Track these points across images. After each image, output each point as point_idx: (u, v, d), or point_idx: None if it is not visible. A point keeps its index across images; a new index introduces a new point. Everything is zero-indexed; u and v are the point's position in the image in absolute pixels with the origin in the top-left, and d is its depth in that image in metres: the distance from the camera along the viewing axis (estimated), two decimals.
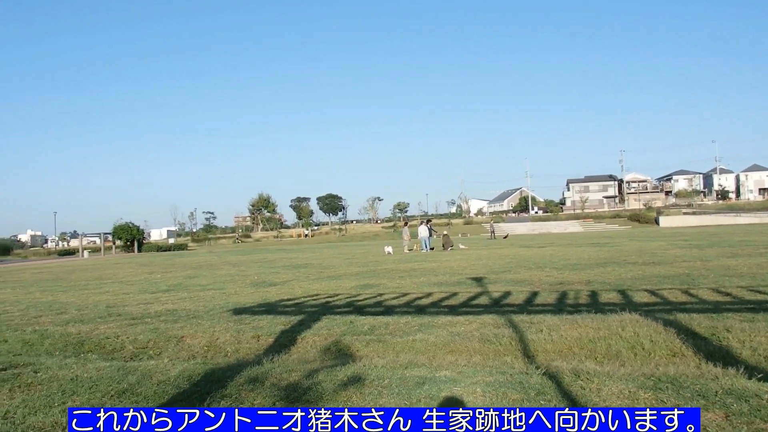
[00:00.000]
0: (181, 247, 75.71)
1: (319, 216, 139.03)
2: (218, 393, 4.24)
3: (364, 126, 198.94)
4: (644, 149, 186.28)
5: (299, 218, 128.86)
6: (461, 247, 29.42)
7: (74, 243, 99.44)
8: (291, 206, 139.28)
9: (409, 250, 28.16)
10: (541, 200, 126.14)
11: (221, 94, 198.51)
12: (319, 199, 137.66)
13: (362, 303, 9.36)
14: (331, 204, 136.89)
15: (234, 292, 11.76)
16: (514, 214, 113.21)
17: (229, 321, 7.79)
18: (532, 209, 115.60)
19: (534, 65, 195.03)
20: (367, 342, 6.22)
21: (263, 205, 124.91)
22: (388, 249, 27.20)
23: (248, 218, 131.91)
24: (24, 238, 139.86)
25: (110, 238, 71.39)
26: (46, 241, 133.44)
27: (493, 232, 49.79)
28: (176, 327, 7.49)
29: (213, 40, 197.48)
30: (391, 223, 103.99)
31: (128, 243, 69.44)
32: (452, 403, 3.67)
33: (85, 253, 63.44)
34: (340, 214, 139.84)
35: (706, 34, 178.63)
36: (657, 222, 74.16)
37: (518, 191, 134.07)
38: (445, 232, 31.40)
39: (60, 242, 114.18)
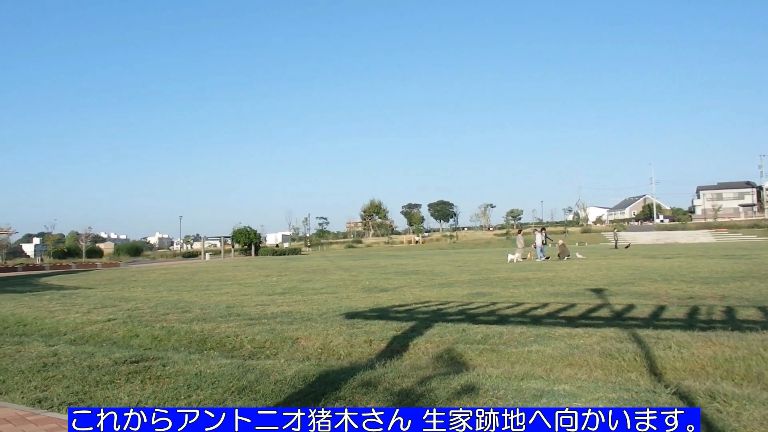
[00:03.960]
0: (295, 251, 78.69)
1: (430, 222, 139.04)
2: (332, 395, 4.30)
3: (479, 132, 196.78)
4: None
5: (410, 224, 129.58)
6: (578, 256, 28.26)
7: (197, 246, 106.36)
8: (402, 212, 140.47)
9: (523, 258, 27.46)
10: (667, 208, 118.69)
11: (336, 100, 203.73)
12: (430, 205, 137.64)
13: (475, 311, 9.18)
14: (442, 210, 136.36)
15: (346, 297, 11.96)
16: (636, 223, 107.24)
17: (341, 325, 7.90)
18: (657, 218, 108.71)
19: (662, 67, 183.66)
20: (480, 351, 6.06)
21: (375, 211, 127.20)
22: (513, 257, 26.67)
23: (360, 224, 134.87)
24: (153, 240, 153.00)
25: (229, 241, 75.50)
26: (172, 243, 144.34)
27: (616, 241, 48.68)
28: (291, 328, 7.70)
29: (332, 46, 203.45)
30: (504, 231, 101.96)
31: (246, 246, 73.18)
32: None
33: (207, 255, 67.38)
34: (451, 220, 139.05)
35: None
36: None
37: (642, 198, 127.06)
38: (561, 241, 30.27)
39: (184, 244, 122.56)
